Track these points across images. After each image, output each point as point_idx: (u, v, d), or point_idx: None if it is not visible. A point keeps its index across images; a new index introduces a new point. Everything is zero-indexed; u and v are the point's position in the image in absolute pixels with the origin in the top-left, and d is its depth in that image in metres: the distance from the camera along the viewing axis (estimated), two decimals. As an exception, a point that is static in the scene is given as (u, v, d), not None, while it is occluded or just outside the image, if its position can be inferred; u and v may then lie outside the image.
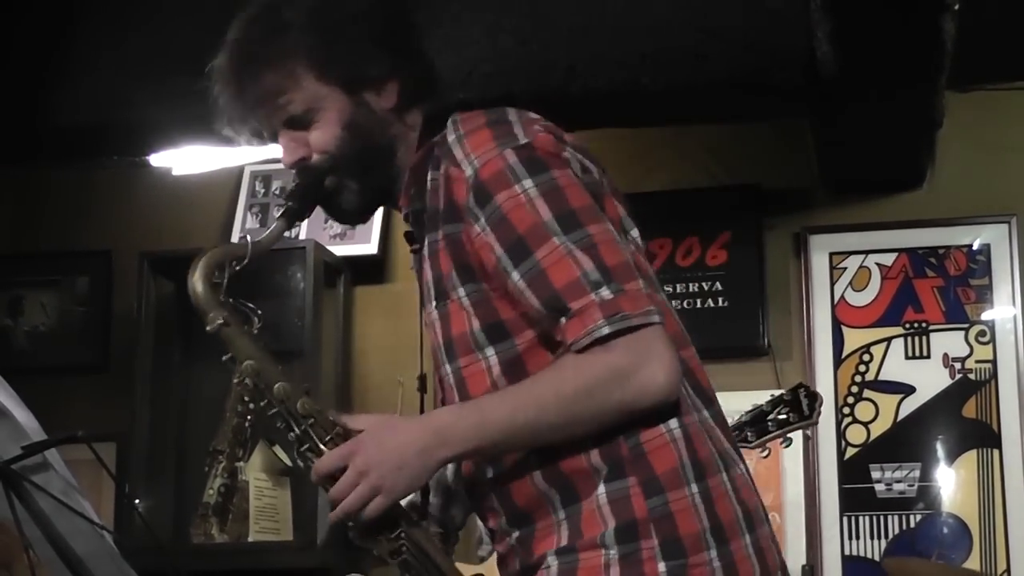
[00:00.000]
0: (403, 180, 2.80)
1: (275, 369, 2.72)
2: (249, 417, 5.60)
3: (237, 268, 2.69)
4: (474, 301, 2.63)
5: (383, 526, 2.62)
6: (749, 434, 4.49)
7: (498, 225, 2.56)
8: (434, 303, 2.70)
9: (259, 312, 5.62)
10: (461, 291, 2.64)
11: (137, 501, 5.77)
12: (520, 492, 2.64)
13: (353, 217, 2.89)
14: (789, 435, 4.68)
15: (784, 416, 4.57)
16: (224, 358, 2.74)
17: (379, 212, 5.69)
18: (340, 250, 5.86)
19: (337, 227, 5.83)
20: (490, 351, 2.63)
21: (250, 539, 5.59)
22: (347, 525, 2.62)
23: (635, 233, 2.74)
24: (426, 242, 2.72)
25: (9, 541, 4.18)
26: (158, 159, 5.71)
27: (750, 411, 4.57)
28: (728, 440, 2.67)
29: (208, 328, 2.70)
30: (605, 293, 2.48)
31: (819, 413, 4.64)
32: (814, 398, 4.61)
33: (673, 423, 2.56)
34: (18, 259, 6.33)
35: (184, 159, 5.71)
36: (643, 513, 2.52)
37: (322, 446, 2.62)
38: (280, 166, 5.93)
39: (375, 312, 5.91)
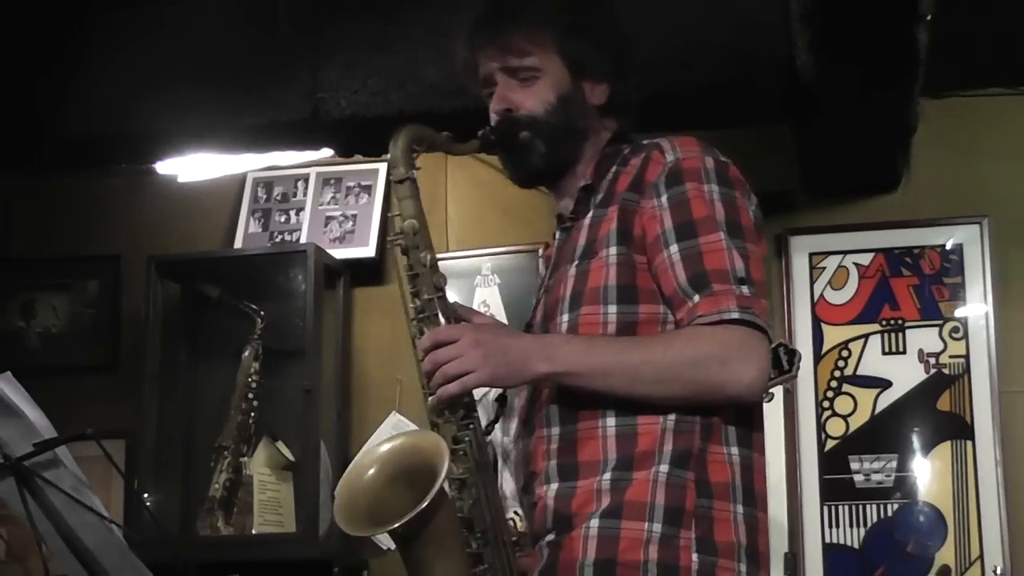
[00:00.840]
0: (579, 173, 2.99)
1: (428, 237, 2.85)
2: (252, 414, 5.59)
3: (424, 150, 2.89)
4: (619, 261, 2.77)
5: (464, 408, 2.75)
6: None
7: (677, 205, 2.76)
8: (575, 263, 2.85)
9: (262, 312, 5.65)
10: (612, 250, 2.79)
11: (146, 496, 5.75)
12: (584, 442, 2.74)
13: (525, 175, 3.03)
14: (771, 390, 4.68)
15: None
16: (389, 215, 2.92)
17: (377, 216, 5.80)
18: (340, 253, 5.84)
19: (337, 230, 5.83)
20: (613, 308, 2.76)
21: (254, 531, 5.58)
22: (432, 394, 2.72)
23: None
24: (590, 215, 2.89)
25: (23, 535, 4.16)
26: (164, 167, 5.75)
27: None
28: None
29: (391, 177, 2.86)
30: (745, 290, 2.68)
31: (798, 367, 4.68)
32: (793, 354, 4.69)
33: (735, 449, 2.75)
34: (31, 263, 6.30)
35: (189, 167, 5.74)
36: (691, 506, 2.64)
37: (441, 318, 2.78)
38: (282, 173, 5.96)
39: (373, 312, 5.89)
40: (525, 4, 3.00)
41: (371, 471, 2.78)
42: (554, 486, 2.75)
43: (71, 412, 5.04)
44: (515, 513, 3.47)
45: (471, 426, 2.74)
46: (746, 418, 2.79)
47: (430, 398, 2.71)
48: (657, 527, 2.62)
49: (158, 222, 6.13)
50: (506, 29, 2.95)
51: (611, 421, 2.72)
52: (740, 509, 2.71)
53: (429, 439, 2.74)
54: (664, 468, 2.66)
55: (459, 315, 2.82)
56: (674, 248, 2.73)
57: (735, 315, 2.63)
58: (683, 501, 2.65)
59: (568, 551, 2.68)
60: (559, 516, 2.72)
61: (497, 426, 4.53)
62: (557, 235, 3.05)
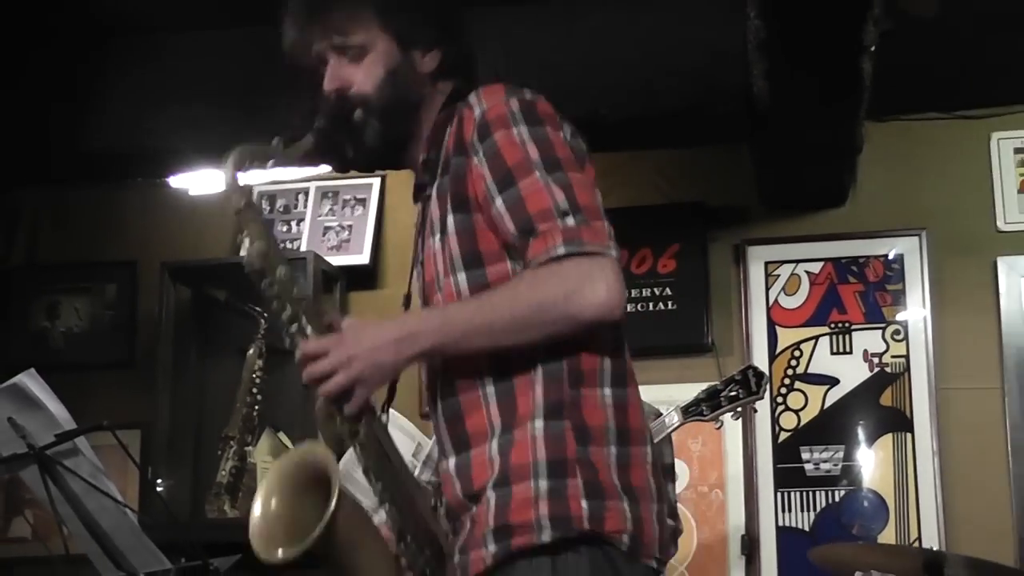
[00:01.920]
0: (420, 139, 2.82)
1: (280, 254, 2.74)
2: (256, 407, 5.59)
3: (260, 166, 2.76)
4: (458, 229, 2.65)
5: (354, 414, 2.61)
6: (704, 408, 4.50)
7: (492, 158, 2.60)
8: (437, 236, 2.70)
9: (265, 314, 5.63)
10: (450, 220, 2.66)
11: (159, 481, 5.75)
12: (469, 410, 2.63)
13: (363, 155, 2.84)
14: (739, 410, 4.68)
15: (735, 393, 4.60)
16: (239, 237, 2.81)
17: (371, 226, 5.80)
18: (336, 260, 5.85)
19: (334, 239, 5.83)
20: (462, 275, 2.64)
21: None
22: (316, 403, 2.61)
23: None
24: (435, 187, 2.73)
25: (46, 517, 4.14)
26: (176, 181, 5.78)
27: (705, 389, 4.56)
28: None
29: (231, 208, 2.74)
30: (569, 221, 2.51)
31: (765, 389, 4.65)
32: (760, 377, 4.64)
33: (608, 391, 2.60)
34: (55, 269, 6.29)
35: (199, 181, 5.74)
36: (573, 454, 2.52)
37: (309, 329, 2.62)
38: (284, 186, 5.96)
39: (367, 314, 5.81)
40: None
41: (272, 499, 2.71)
42: (452, 460, 2.66)
43: (91, 405, 5.09)
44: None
45: (363, 418, 2.62)
46: (616, 356, 2.66)
47: (317, 406, 2.62)
48: (543, 483, 2.50)
49: (171, 231, 6.13)
50: (327, 7, 2.80)
51: (490, 388, 2.61)
52: (613, 450, 2.57)
53: (316, 449, 2.68)
54: (539, 423, 2.54)
55: (328, 320, 2.68)
56: (499, 201, 2.58)
57: (561, 251, 2.49)
58: (564, 451, 2.53)
59: (477, 524, 2.57)
60: (467, 492, 2.61)
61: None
62: (417, 209, 2.88)
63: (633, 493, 2.56)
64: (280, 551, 2.62)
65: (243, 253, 2.72)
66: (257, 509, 2.71)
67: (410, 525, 2.68)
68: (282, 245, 2.75)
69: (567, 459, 2.52)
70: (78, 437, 3.98)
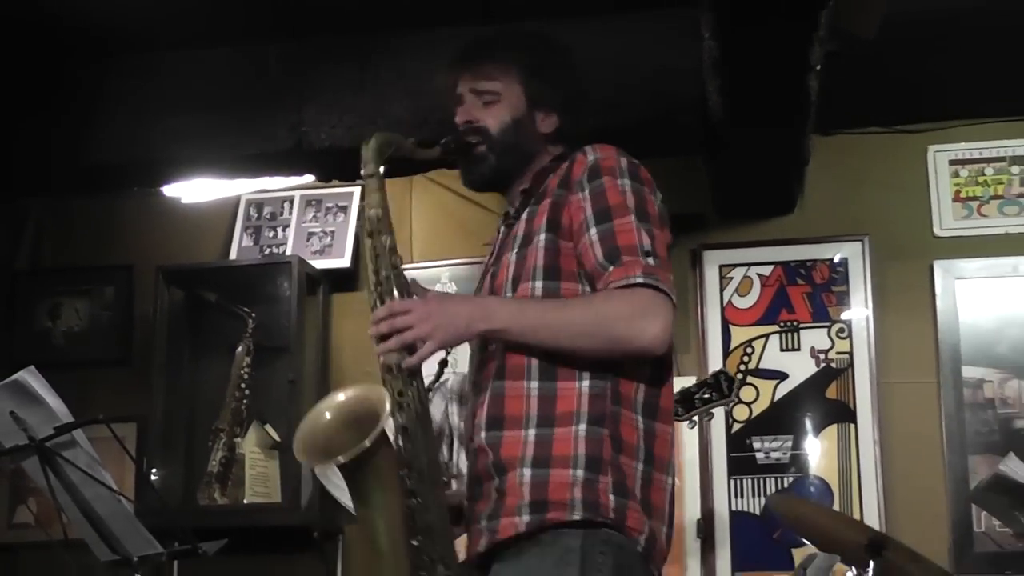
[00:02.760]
0: (521, 182, 3.02)
1: (389, 224, 2.86)
2: (245, 401, 5.59)
3: (395, 152, 2.91)
4: (546, 246, 2.82)
5: (412, 372, 2.75)
6: (679, 409, 4.50)
7: (596, 196, 2.80)
8: (516, 250, 2.88)
9: (253, 314, 5.62)
10: (541, 237, 2.83)
11: (154, 471, 5.73)
12: (511, 398, 2.78)
13: (476, 180, 3.07)
14: (711, 412, 4.69)
15: (708, 396, 4.61)
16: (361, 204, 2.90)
17: (352, 232, 5.78)
18: (320, 264, 5.83)
19: (317, 244, 5.82)
20: (539, 283, 2.81)
21: (245, 501, 5.59)
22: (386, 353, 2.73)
23: None
24: (527, 211, 2.92)
25: (47, 505, 4.11)
26: (170, 190, 5.74)
27: (679, 391, 4.54)
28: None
29: (363, 173, 2.87)
30: (651, 261, 2.73)
31: (737, 392, 4.66)
32: (731, 381, 4.68)
33: (640, 419, 2.78)
34: (57, 272, 6.27)
35: (191, 190, 5.73)
36: (608, 456, 2.69)
37: (396, 292, 2.80)
38: (271, 195, 5.95)
39: (349, 315, 5.88)
40: (499, 40, 3.08)
41: (327, 414, 2.85)
42: (482, 434, 2.80)
43: (91, 399, 5.09)
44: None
45: (414, 383, 2.76)
46: (652, 393, 2.83)
47: (382, 357, 2.75)
48: (580, 472, 2.68)
49: (165, 237, 6.10)
50: (480, 58, 3.04)
51: (534, 384, 2.76)
52: (640, 467, 2.75)
53: (376, 392, 2.78)
54: (583, 426, 2.71)
55: (411, 290, 2.84)
56: (593, 231, 2.77)
57: (640, 280, 2.69)
58: (600, 452, 2.70)
59: (510, 496, 2.71)
60: (496, 462, 2.76)
61: (455, 410, 4.51)
62: (501, 229, 3.07)
63: (651, 509, 2.76)
64: (314, 458, 2.83)
65: (362, 219, 2.94)
66: (307, 421, 2.86)
67: (424, 490, 2.78)
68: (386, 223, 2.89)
69: (603, 459, 2.70)
70: (76, 430, 3.97)
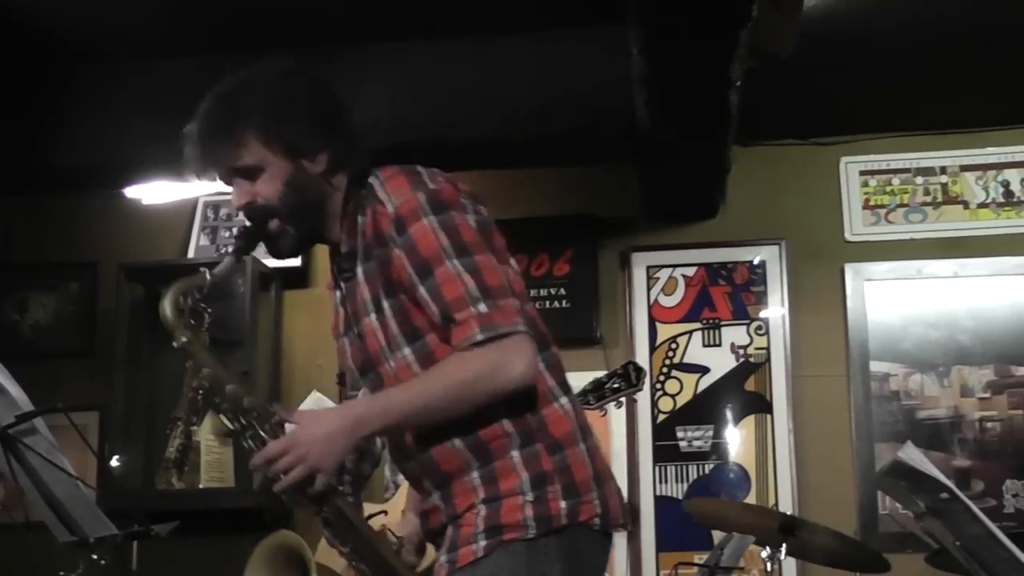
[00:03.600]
0: (331, 226, 2.77)
1: (227, 375, 2.74)
2: (201, 392, 5.54)
3: (198, 296, 2.78)
4: (394, 311, 2.65)
5: (315, 496, 2.63)
6: (591, 399, 4.50)
7: (410, 251, 2.58)
8: (373, 315, 2.69)
9: (210, 310, 5.54)
10: (386, 304, 2.66)
11: (116, 457, 5.68)
12: (444, 459, 2.65)
13: (289, 254, 2.84)
14: (621, 400, 4.67)
15: (617, 385, 4.60)
16: (187, 364, 2.79)
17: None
18: (272, 262, 5.72)
19: (271, 244, 5.75)
20: (408, 350, 2.65)
21: (201, 486, 5.55)
22: (282, 494, 2.60)
23: (512, 261, 2.75)
24: (360, 270, 2.71)
25: (12, 489, 4.05)
26: (132, 191, 5.68)
27: (591, 382, 4.56)
28: None
29: (175, 344, 2.73)
30: (482, 307, 2.53)
31: (644, 382, 4.65)
32: (640, 371, 4.65)
33: (563, 400, 2.67)
34: (25, 268, 6.18)
35: (152, 191, 5.67)
36: (550, 466, 2.60)
37: (263, 435, 2.64)
38: (227, 197, 5.83)
39: (299, 310, 5.86)
40: (223, 115, 2.72)
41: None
42: (436, 494, 2.70)
43: (56, 389, 5.04)
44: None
45: (329, 500, 2.67)
46: (556, 369, 2.71)
47: (284, 497, 2.63)
48: (530, 494, 2.59)
49: (126, 236, 6.05)
50: (213, 144, 2.71)
51: (458, 442, 2.64)
52: (583, 446, 2.66)
53: (288, 537, 2.75)
54: (516, 453, 2.61)
55: (280, 423, 2.65)
56: (421, 289, 2.58)
57: (480, 337, 2.51)
58: (541, 466, 2.61)
59: (464, 528, 2.63)
60: (451, 514, 2.67)
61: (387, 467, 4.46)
62: (342, 285, 2.81)
63: (600, 478, 2.66)
64: None
65: (194, 383, 2.78)
66: None
67: (381, 572, 2.76)
68: (225, 366, 2.79)
69: (546, 472, 2.60)
70: (36, 418, 3.92)
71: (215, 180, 2.79)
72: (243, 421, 2.68)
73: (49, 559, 4.09)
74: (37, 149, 5.21)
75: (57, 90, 5.16)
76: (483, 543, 2.58)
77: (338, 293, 2.84)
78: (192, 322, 2.77)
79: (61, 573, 4.03)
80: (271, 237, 2.74)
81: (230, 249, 2.78)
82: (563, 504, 2.60)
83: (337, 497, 2.71)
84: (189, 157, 2.78)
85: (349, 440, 2.59)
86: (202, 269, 2.74)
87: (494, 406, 2.60)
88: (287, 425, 2.64)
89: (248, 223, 2.74)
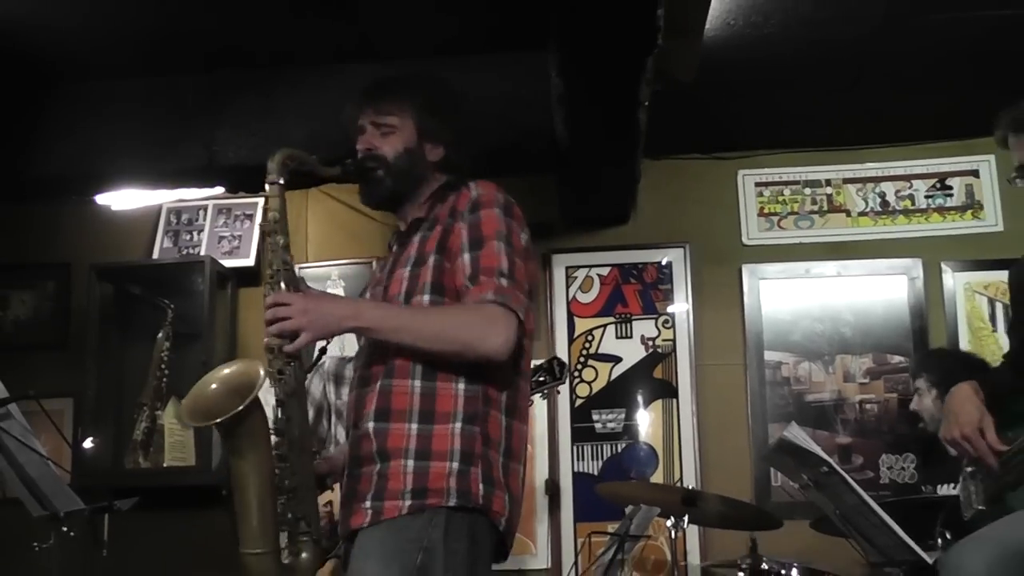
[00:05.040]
0: (411, 205, 2.96)
1: (285, 227, 2.82)
2: (164, 380, 5.50)
3: (298, 166, 2.84)
4: (435, 265, 2.77)
5: (291, 354, 2.71)
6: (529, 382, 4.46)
7: (473, 226, 2.77)
8: (408, 267, 2.82)
9: (172, 305, 5.52)
10: (432, 258, 2.78)
11: (89, 439, 5.59)
12: (397, 396, 2.71)
13: (373, 199, 2.98)
14: (545, 392, 4.66)
15: (543, 378, 4.60)
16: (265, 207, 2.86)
17: (256, 238, 5.68)
18: (229, 263, 5.72)
19: (227, 246, 5.73)
20: (427, 297, 2.75)
21: (165, 465, 5.51)
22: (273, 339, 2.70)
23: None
24: (417, 237, 2.86)
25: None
26: (103, 198, 5.63)
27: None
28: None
29: (267, 180, 2.80)
30: (504, 282, 2.69)
31: (567, 376, 4.64)
32: (563, 366, 4.66)
33: (503, 417, 2.77)
34: (5, 268, 6.08)
35: (120, 199, 5.62)
36: (479, 451, 2.68)
37: (284, 284, 2.75)
38: (188, 204, 5.86)
39: (253, 307, 5.75)
40: (398, 81, 3.01)
41: (212, 384, 2.79)
42: (370, 424, 2.73)
43: (34, 377, 4.95)
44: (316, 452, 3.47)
45: (292, 364, 2.72)
46: (512, 396, 2.81)
47: (266, 339, 2.71)
48: (456, 464, 2.65)
49: (97, 239, 5.96)
50: (381, 96, 2.98)
51: (417, 383, 2.71)
52: (502, 459, 2.74)
53: (255, 367, 2.74)
54: (458, 424, 2.68)
55: (298, 285, 2.78)
56: (466, 256, 2.74)
57: (491, 297, 2.66)
58: (473, 447, 2.68)
59: (392, 480, 2.66)
60: (380, 450, 2.70)
61: (332, 390, 4.45)
62: (395, 247, 2.98)
63: (511, 494, 2.74)
64: (201, 420, 2.72)
65: (263, 220, 2.86)
66: (194, 389, 2.81)
67: (294, 457, 2.73)
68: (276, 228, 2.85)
69: (475, 453, 2.67)
70: (10, 404, 3.87)
71: (356, 123, 2.98)
72: (275, 267, 2.77)
73: (24, 532, 4.04)
74: (17, 161, 5.16)
75: (35, 109, 5.12)
76: (408, 502, 2.63)
77: (377, 265, 3.02)
78: (286, 176, 2.82)
79: (35, 544, 3.99)
80: (370, 179, 2.93)
81: (347, 162, 2.94)
82: (481, 488, 2.66)
83: (299, 367, 2.74)
84: (356, 101, 3.01)
85: (342, 322, 2.69)
86: (314, 156, 2.89)
87: (457, 375, 2.71)
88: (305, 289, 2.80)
89: (362, 156, 2.94)
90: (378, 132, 2.95)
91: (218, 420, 2.65)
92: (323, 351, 3.30)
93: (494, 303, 2.66)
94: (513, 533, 2.78)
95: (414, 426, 2.68)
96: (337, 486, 4.18)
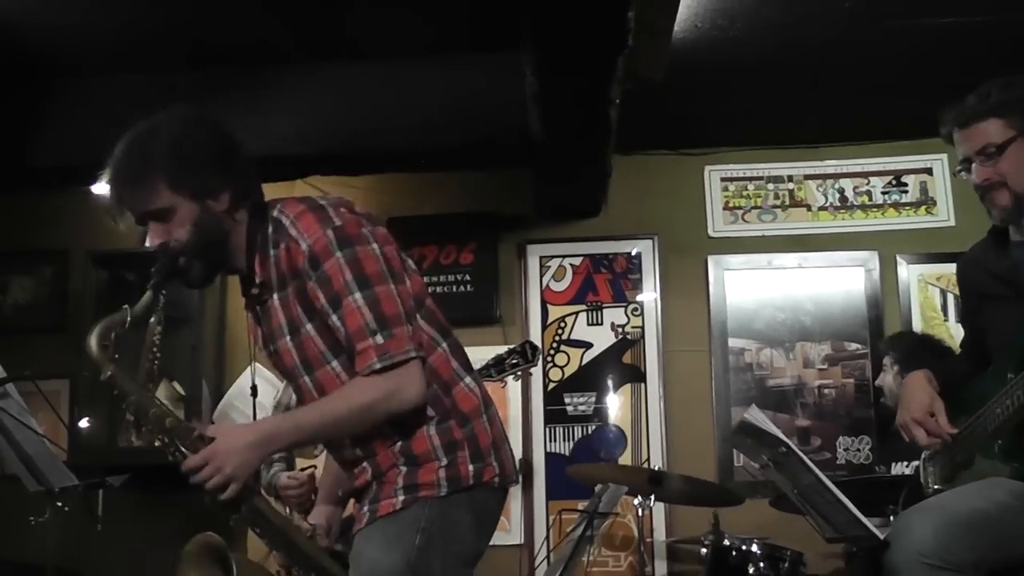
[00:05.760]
0: (237, 256, 2.66)
1: (150, 400, 2.69)
2: (156, 362, 5.43)
3: (121, 331, 2.71)
4: (318, 330, 2.57)
5: (231, 501, 2.53)
6: (493, 372, 4.45)
7: (324, 284, 2.52)
8: (288, 337, 2.62)
9: (164, 291, 5.46)
10: (309, 326, 2.58)
11: (86, 419, 5.55)
12: (374, 432, 2.60)
13: (200, 285, 2.77)
14: (518, 373, 4.66)
15: (516, 361, 4.57)
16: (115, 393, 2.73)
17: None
18: (220, 250, 5.65)
19: (217, 236, 5.67)
20: (335, 362, 2.59)
21: (156, 444, 5.30)
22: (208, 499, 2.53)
23: (410, 262, 2.70)
24: (275, 297, 2.62)
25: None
26: (99, 188, 5.39)
27: (493, 357, 4.50)
28: None
29: (101, 377, 2.67)
30: (379, 339, 2.49)
31: (538, 359, 4.62)
32: (535, 349, 4.61)
33: (467, 379, 2.65)
34: (6, 255, 6.03)
35: (115, 189, 5.50)
36: (460, 436, 2.59)
37: (183, 450, 2.56)
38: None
39: (238, 292, 5.74)
40: (133, 164, 2.61)
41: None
42: (363, 463, 2.65)
43: (33, 359, 4.96)
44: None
45: (244, 501, 2.58)
46: (459, 352, 2.69)
47: (206, 500, 2.53)
48: (443, 459, 2.58)
49: (93, 228, 5.86)
50: (127, 190, 2.62)
51: (385, 426, 2.59)
52: (485, 417, 2.64)
53: (212, 538, 2.72)
54: (432, 429, 2.59)
55: (200, 439, 2.55)
56: (333, 318, 2.51)
57: (377, 366, 2.48)
58: (453, 436, 2.59)
59: (387, 485, 2.61)
60: (375, 471, 2.64)
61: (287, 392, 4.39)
62: (258, 308, 2.71)
63: (497, 443, 2.65)
64: None
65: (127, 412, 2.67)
66: None
67: (296, 558, 2.72)
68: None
69: (456, 440, 2.59)
70: (8, 384, 3.85)
71: (131, 222, 2.66)
72: (166, 439, 2.61)
73: (21, 506, 4.02)
74: (16, 152, 5.14)
75: (34, 102, 5.10)
76: (402, 497, 2.57)
77: (251, 315, 2.76)
78: (116, 356, 2.66)
79: (31, 518, 3.97)
80: (183, 272, 2.67)
81: (149, 285, 2.71)
82: (471, 467, 2.59)
83: (252, 498, 2.61)
84: (106, 202, 2.68)
85: (262, 453, 2.53)
86: (124, 307, 2.70)
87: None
88: (209, 434, 2.55)
89: (161, 261, 2.66)
90: (157, 223, 2.62)
91: None
92: (253, 391, 3.23)
93: (384, 369, 2.49)
94: (512, 471, 2.68)
95: (398, 443, 2.60)
96: (322, 456, 4.19)
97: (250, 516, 2.62)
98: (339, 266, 2.51)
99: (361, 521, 2.62)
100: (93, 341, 2.65)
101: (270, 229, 2.61)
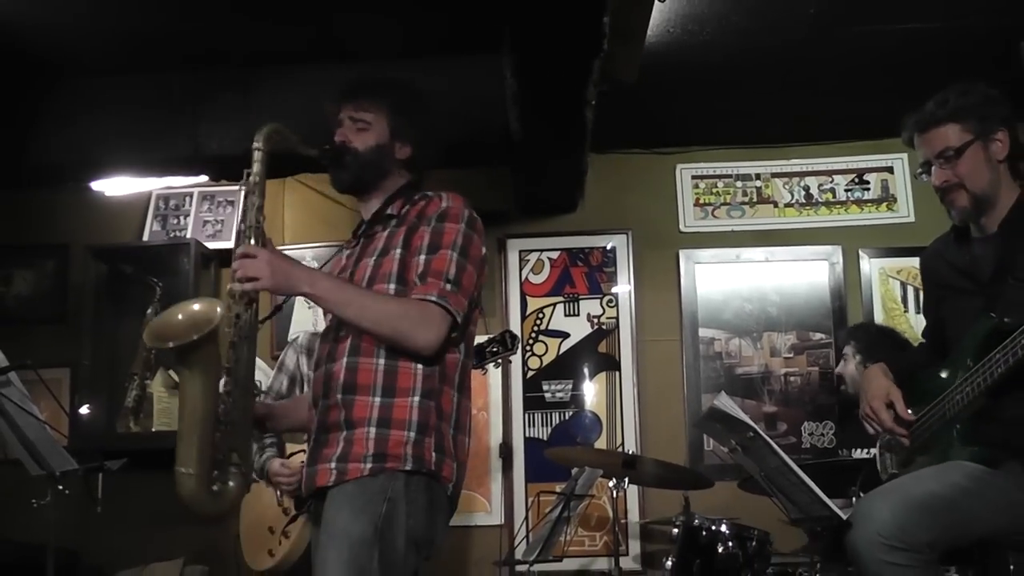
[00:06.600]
0: (375, 196, 2.95)
1: (263, 188, 2.80)
2: (153, 352, 5.43)
3: (282, 143, 2.82)
4: (399, 259, 2.78)
5: (249, 298, 2.72)
6: (474, 360, 4.44)
7: (435, 232, 2.79)
8: (374, 257, 2.83)
9: (160, 283, 5.46)
10: (398, 251, 2.79)
11: (86, 406, 5.53)
12: (362, 371, 2.72)
13: (341, 183, 2.96)
14: (499, 361, 4.65)
15: (496, 349, 4.58)
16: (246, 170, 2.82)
17: (238, 220, 5.55)
18: (212, 245, 5.63)
19: (210, 229, 5.67)
20: (392, 285, 2.76)
21: (153, 430, 5.42)
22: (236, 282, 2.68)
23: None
24: (386, 232, 2.87)
25: (-4, 431, 3.94)
26: (97, 185, 5.56)
27: (474, 346, 4.49)
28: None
29: (254, 146, 2.80)
30: (448, 287, 2.72)
31: (518, 347, 4.63)
32: (515, 338, 4.66)
33: (455, 394, 2.79)
34: (9, 248, 5.98)
35: (114, 185, 5.56)
36: (433, 421, 2.71)
37: (253, 240, 2.73)
38: (175, 190, 5.78)
39: (236, 286, 5.72)
40: (376, 82, 3.00)
41: (178, 315, 2.77)
42: (339, 395, 2.74)
43: (35, 349, 4.94)
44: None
45: (250, 311, 2.73)
46: (463, 375, 2.83)
47: (229, 284, 2.71)
48: (412, 434, 2.68)
49: (93, 222, 5.87)
50: (359, 94, 2.98)
51: (381, 361, 2.73)
52: (452, 431, 2.77)
53: (216, 306, 2.73)
54: (417, 399, 2.71)
55: (265, 242, 2.76)
56: (422, 257, 2.76)
57: (433, 298, 2.70)
58: (428, 419, 2.71)
59: (356, 445, 2.68)
60: (347, 419, 2.71)
61: (304, 362, 4.40)
62: (362, 238, 2.96)
63: (458, 463, 2.78)
64: (159, 343, 2.71)
65: (245, 184, 2.81)
66: (160, 317, 2.82)
67: (238, 393, 2.73)
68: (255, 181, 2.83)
69: (429, 425, 2.70)
70: (10, 372, 3.82)
71: (336, 116, 2.98)
72: (248, 223, 2.75)
73: (23, 489, 4.00)
74: (18, 150, 5.12)
75: (35, 102, 5.06)
76: (370, 465, 2.65)
77: (346, 252, 2.98)
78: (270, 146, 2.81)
79: (33, 500, 3.95)
80: (341, 166, 2.92)
81: (322, 147, 2.91)
82: (434, 455, 2.69)
83: (254, 312, 2.74)
84: (337, 96, 3.00)
85: (297, 283, 2.67)
86: (299, 135, 2.85)
87: (417, 359, 2.72)
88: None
89: (336, 147, 2.93)
90: (354, 126, 2.94)
91: (171, 344, 2.65)
92: (278, 308, 3.29)
93: (435, 303, 2.69)
94: (458, 496, 2.81)
95: (377, 399, 2.70)
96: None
97: (241, 325, 2.70)
98: (457, 231, 2.79)
99: (327, 477, 2.69)
100: (267, 128, 2.82)
101: (417, 196, 2.93)
